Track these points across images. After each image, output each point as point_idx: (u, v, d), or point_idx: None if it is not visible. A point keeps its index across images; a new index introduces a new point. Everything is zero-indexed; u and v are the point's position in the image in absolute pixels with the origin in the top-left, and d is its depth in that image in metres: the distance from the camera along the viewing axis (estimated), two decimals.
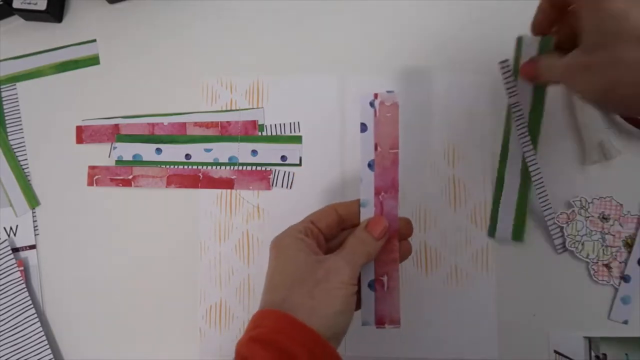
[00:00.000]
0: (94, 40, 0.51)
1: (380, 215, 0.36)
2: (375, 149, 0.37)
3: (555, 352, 0.44)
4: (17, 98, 0.51)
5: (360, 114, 0.37)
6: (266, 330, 0.30)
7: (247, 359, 0.29)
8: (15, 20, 0.52)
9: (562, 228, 0.44)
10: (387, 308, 0.37)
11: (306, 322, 0.30)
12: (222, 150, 0.48)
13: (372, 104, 0.38)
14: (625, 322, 0.44)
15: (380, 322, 0.37)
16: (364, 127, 0.38)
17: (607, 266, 0.44)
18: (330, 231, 0.37)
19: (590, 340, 0.44)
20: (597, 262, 0.44)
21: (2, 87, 0.51)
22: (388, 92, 0.38)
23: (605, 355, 0.43)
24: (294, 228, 0.36)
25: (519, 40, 0.42)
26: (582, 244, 0.44)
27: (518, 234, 0.45)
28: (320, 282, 0.32)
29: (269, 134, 0.49)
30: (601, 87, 0.31)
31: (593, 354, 0.43)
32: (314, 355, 0.29)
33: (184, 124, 0.49)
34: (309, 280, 0.32)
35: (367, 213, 0.37)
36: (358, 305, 0.36)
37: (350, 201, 0.37)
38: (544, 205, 0.45)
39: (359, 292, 0.36)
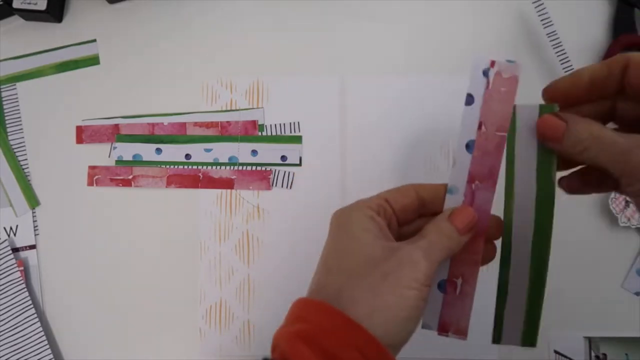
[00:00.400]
0: (94, 40, 0.51)
1: (468, 206, 0.30)
2: (479, 127, 0.31)
3: (555, 352, 0.44)
4: (17, 98, 0.51)
5: (469, 82, 0.31)
6: (314, 328, 0.25)
7: (290, 358, 0.25)
8: (15, 20, 0.52)
9: None
10: (456, 314, 0.32)
11: (365, 325, 0.25)
12: (222, 150, 0.48)
13: (485, 73, 0.31)
14: (638, 294, 0.44)
15: (443, 329, 0.32)
16: (469, 99, 0.31)
17: (627, 202, 0.44)
18: (405, 215, 0.31)
19: (590, 340, 0.44)
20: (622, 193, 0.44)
21: (2, 87, 0.51)
22: (508, 61, 0.30)
23: (605, 355, 0.43)
24: (364, 203, 0.30)
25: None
26: None
27: (529, 338, 0.33)
28: (389, 276, 0.26)
29: (269, 134, 0.49)
30: None
31: (593, 354, 0.44)
32: None
33: (184, 124, 0.49)
34: (376, 272, 0.26)
35: (453, 201, 0.31)
36: None
37: (435, 184, 0.31)
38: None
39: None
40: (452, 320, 0.32)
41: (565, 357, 0.44)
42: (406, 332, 0.27)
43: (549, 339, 0.45)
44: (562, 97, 0.29)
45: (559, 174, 0.31)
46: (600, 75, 0.28)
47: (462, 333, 0.32)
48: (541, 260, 0.31)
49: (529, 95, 0.31)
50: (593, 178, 0.31)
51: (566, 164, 0.31)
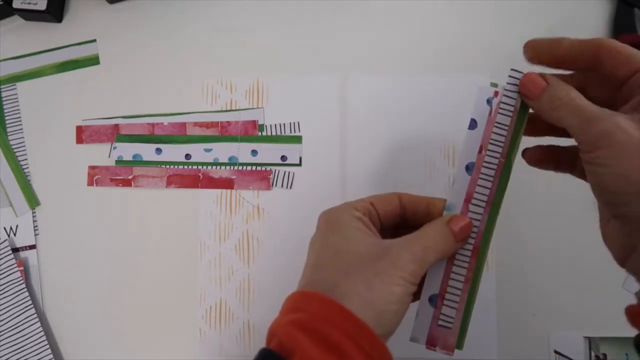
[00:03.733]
0: (94, 40, 0.51)
1: (465, 215, 0.32)
2: (480, 151, 0.33)
3: (555, 352, 0.44)
4: (17, 98, 0.51)
5: (472, 108, 0.34)
6: (312, 316, 0.27)
7: (287, 345, 0.26)
8: (15, 20, 0.52)
9: None
10: (444, 329, 0.32)
11: (359, 315, 0.26)
12: (222, 150, 0.48)
13: (489, 102, 0.34)
14: (638, 294, 0.44)
15: (431, 343, 0.33)
16: (473, 124, 0.34)
17: None
18: (387, 221, 0.32)
19: (590, 340, 0.44)
20: None
21: (2, 87, 0.51)
22: (513, 73, 0.33)
23: (605, 355, 0.43)
24: (351, 204, 0.31)
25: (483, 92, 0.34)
26: None
27: (460, 344, 0.34)
28: (380, 272, 0.28)
29: (269, 134, 0.49)
30: None
31: (593, 354, 0.43)
32: (365, 354, 0.26)
33: (184, 124, 0.49)
34: (369, 268, 0.28)
35: None
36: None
37: (418, 195, 0.33)
38: None
39: (417, 295, 0.31)
40: (440, 334, 0.32)
41: (565, 357, 0.44)
42: (395, 324, 0.28)
43: (549, 339, 0.45)
44: (540, 54, 0.31)
45: (524, 145, 0.34)
46: (578, 48, 0.29)
47: (449, 349, 0.33)
48: (480, 263, 0.33)
49: None
50: (553, 154, 0.33)
51: (534, 130, 0.33)
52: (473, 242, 0.33)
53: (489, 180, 0.33)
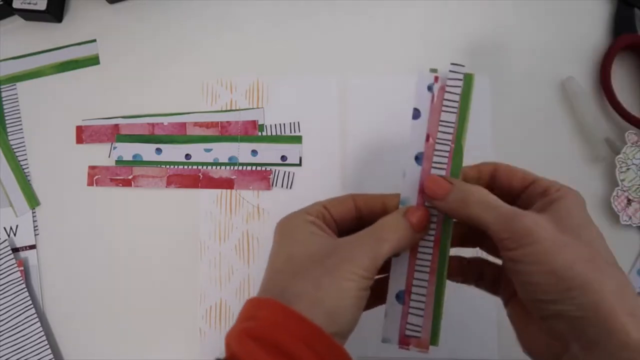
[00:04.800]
0: (94, 40, 0.51)
1: (422, 206, 0.31)
2: (427, 139, 0.32)
3: None
4: (17, 98, 0.51)
5: (414, 97, 0.33)
6: (262, 323, 0.26)
7: (239, 355, 0.25)
8: (15, 20, 0.52)
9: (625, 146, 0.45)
10: (415, 326, 0.32)
11: (308, 315, 0.26)
12: (222, 150, 0.48)
13: (430, 88, 0.33)
14: (638, 294, 0.44)
15: (404, 342, 0.32)
16: (416, 113, 0.33)
17: (629, 200, 0.44)
18: (343, 222, 0.32)
19: None
20: (624, 191, 0.44)
21: (2, 87, 0.51)
22: (452, 67, 0.33)
23: None
24: (303, 210, 0.31)
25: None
26: (629, 168, 0.44)
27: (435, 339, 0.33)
28: (330, 270, 0.27)
29: (269, 134, 0.49)
30: (568, 274, 0.25)
31: None
32: (319, 356, 0.25)
33: (184, 124, 0.49)
34: (318, 268, 0.27)
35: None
36: (369, 304, 0.31)
37: (372, 194, 0.33)
38: None
39: (377, 291, 0.31)
40: (414, 332, 0.32)
41: None
42: (350, 320, 0.28)
43: None
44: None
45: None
46: (472, 176, 0.31)
47: (423, 346, 0.31)
48: (443, 254, 0.32)
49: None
50: (472, 266, 0.34)
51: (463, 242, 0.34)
52: (434, 232, 0.32)
53: (442, 169, 0.32)
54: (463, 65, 0.32)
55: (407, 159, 0.32)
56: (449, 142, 0.32)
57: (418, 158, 0.32)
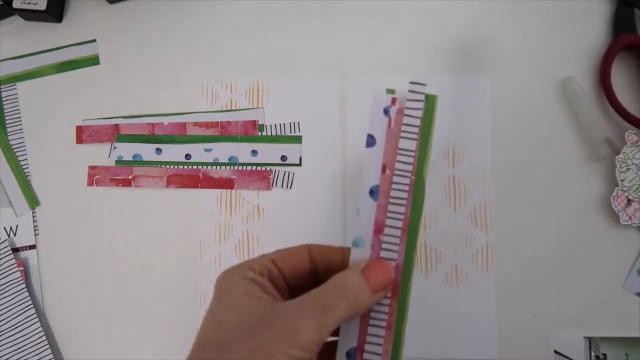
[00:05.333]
0: (94, 40, 0.51)
1: (384, 260, 0.27)
2: (384, 171, 0.28)
3: (555, 352, 0.44)
4: (17, 98, 0.51)
5: (368, 122, 0.29)
6: None
7: None
8: (15, 20, 0.52)
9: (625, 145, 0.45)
10: None
11: None
12: (222, 150, 0.48)
13: (386, 112, 0.29)
14: (639, 295, 0.44)
15: None
16: (370, 141, 0.28)
17: (629, 200, 0.44)
18: (295, 277, 0.28)
19: (590, 340, 0.44)
20: (624, 191, 0.44)
21: (2, 87, 0.51)
22: (412, 86, 0.28)
23: (605, 355, 0.43)
24: (246, 264, 0.27)
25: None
26: (629, 168, 0.44)
27: None
28: (257, 349, 0.23)
29: (269, 134, 0.49)
30: None
31: (593, 354, 0.43)
32: None
33: (184, 124, 0.49)
34: (249, 343, 0.23)
35: (359, 255, 0.28)
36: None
37: (330, 246, 0.29)
38: None
39: (325, 354, 0.27)
40: None
41: (566, 357, 0.44)
42: None
43: (549, 339, 0.45)
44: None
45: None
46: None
47: None
48: (403, 305, 0.28)
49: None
50: None
51: None
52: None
53: (401, 205, 0.28)
54: (424, 85, 0.28)
55: (360, 194, 0.28)
56: (409, 174, 0.28)
57: (373, 192, 0.28)
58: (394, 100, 0.29)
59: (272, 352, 0.22)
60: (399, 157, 0.28)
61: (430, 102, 0.29)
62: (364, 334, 0.27)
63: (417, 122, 0.28)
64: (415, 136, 0.28)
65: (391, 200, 0.28)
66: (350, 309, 0.24)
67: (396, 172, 0.28)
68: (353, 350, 0.27)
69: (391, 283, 0.27)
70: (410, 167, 0.28)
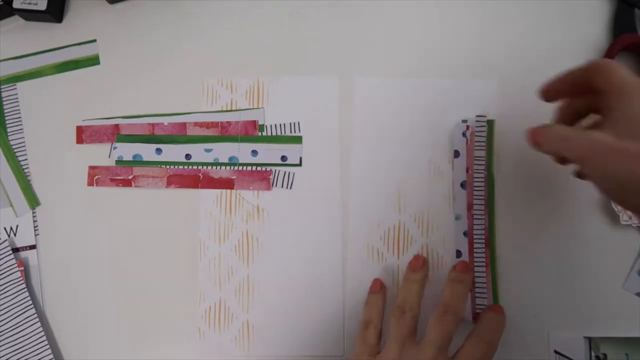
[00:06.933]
0: (94, 40, 0.51)
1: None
2: (467, 171, 0.45)
3: (555, 352, 0.44)
4: (17, 98, 0.51)
5: (454, 142, 0.46)
6: None
7: None
8: (15, 20, 0.52)
9: None
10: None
11: None
12: (222, 151, 0.48)
13: (464, 134, 0.45)
14: (639, 295, 0.44)
15: (477, 317, 0.43)
16: (457, 153, 0.45)
17: None
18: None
19: (590, 340, 0.44)
20: None
21: (2, 87, 0.51)
22: (478, 118, 0.45)
23: (605, 355, 0.43)
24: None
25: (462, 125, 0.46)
26: None
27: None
28: None
29: (269, 134, 0.49)
30: (630, 177, 0.30)
31: (593, 354, 0.43)
32: None
33: (184, 124, 0.49)
34: None
35: (461, 226, 0.45)
36: None
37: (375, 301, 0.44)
38: None
39: None
40: (482, 309, 0.44)
41: (565, 357, 0.44)
42: None
43: (549, 339, 0.45)
44: (553, 92, 0.38)
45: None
46: (578, 74, 0.36)
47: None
48: (492, 251, 0.46)
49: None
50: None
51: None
52: (483, 236, 0.44)
53: (480, 190, 0.45)
54: (485, 116, 0.46)
55: (455, 187, 0.45)
56: (483, 171, 0.45)
57: (463, 185, 0.45)
58: (467, 127, 0.46)
59: None
60: (475, 162, 0.45)
61: (490, 125, 0.46)
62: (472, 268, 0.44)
63: (484, 139, 0.45)
64: (484, 147, 0.45)
65: (475, 188, 0.45)
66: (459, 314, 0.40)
67: (475, 171, 0.45)
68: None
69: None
70: (483, 167, 0.45)
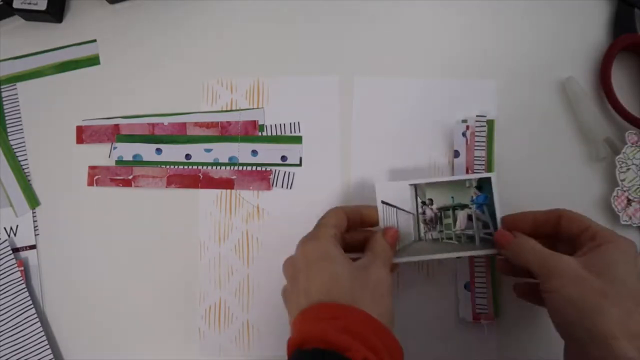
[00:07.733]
0: (94, 40, 0.51)
1: (392, 227, 0.40)
2: (467, 171, 0.45)
3: (383, 202, 0.42)
4: (17, 98, 0.51)
5: (454, 142, 0.45)
6: (352, 323, 0.32)
7: (341, 345, 0.31)
8: (15, 20, 0.52)
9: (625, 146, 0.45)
10: (482, 304, 0.44)
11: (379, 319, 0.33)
12: (222, 151, 0.48)
13: (464, 134, 0.45)
14: None
15: (477, 318, 0.43)
16: (457, 153, 0.45)
17: (629, 200, 0.44)
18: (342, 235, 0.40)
19: (415, 187, 0.41)
20: (624, 191, 0.44)
21: (2, 87, 0.51)
22: (478, 118, 0.45)
23: (431, 200, 0.42)
24: (330, 236, 0.37)
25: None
26: (629, 168, 0.44)
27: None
28: (375, 288, 0.35)
29: (269, 134, 0.49)
30: (583, 305, 0.32)
31: (419, 200, 0.41)
32: (385, 346, 0.32)
33: (184, 124, 0.49)
34: (366, 287, 0.35)
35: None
36: None
37: (355, 206, 0.41)
38: None
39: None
40: (482, 310, 0.44)
41: (391, 205, 0.41)
42: (392, 322, 0.35)
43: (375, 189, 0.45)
44: (513, 227, 0.39)
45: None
46: (543, 220, 0.39)
47: (490, 318, 0.44)
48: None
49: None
50: (530, 289, 0.41)
51: (510, 270, 0.42)
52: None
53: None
54: (485, 116, 0.45)
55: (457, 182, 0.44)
56: (482, 171, 0.44)
57: None
58: (467, 127, 0.45)
59: (380, 289, 0.36)
60: (475, 161, 0.45)
61: (490, 124, 0.46)
62: (472, 270, 0.44)
63: (484, 139, 0.45)
64: (484, 147, 0.45)
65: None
66: (388, 259, 0.39)
67: (475, 171, 0.45)
68: (467, 283, 0.44)
69: (397, 238, 0.40)
70: (483, 167, 0.45)
